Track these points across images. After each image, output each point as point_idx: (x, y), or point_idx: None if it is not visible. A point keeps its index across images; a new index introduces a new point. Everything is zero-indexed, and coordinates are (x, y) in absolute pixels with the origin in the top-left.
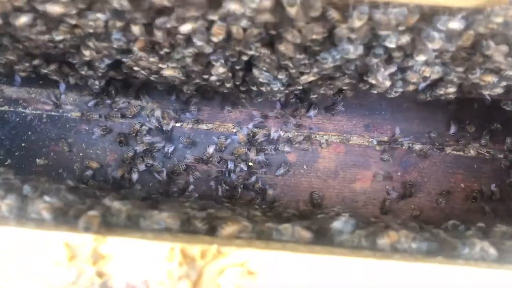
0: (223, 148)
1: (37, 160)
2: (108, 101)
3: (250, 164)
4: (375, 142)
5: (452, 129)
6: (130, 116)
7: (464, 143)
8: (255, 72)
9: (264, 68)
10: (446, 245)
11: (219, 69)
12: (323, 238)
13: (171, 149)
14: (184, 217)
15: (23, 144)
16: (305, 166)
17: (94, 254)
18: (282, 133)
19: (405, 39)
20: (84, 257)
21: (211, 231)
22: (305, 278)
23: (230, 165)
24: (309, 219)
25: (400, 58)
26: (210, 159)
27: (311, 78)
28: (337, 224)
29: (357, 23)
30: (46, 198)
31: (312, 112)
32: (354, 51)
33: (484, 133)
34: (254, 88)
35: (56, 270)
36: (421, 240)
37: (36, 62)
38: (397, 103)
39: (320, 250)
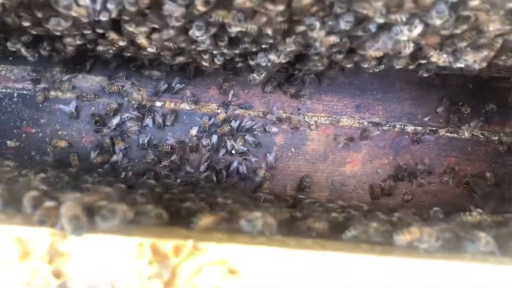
0: (207, 128)
1: (8, 142)
2: (83, 79)
3: (234, 151)
4: (366, 124)
5: (441, 108)
6: (107, 92)
7: (458, 125)
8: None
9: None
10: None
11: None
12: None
13: (150, 128)
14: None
15: None
16: (292, 149)
17: (51, 251)
18: (269, 115)
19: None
20: (39, 255)
21: (186, 222)
22: (294, 278)
23: (214, 146)
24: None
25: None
26: (192, 141)
27: (290, 48)
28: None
29: None
30: None
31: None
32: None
33: (479, 114)
34: (239, 64)
35: (6, 269)
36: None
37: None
38: (389, 83)
39: (311, 245)
